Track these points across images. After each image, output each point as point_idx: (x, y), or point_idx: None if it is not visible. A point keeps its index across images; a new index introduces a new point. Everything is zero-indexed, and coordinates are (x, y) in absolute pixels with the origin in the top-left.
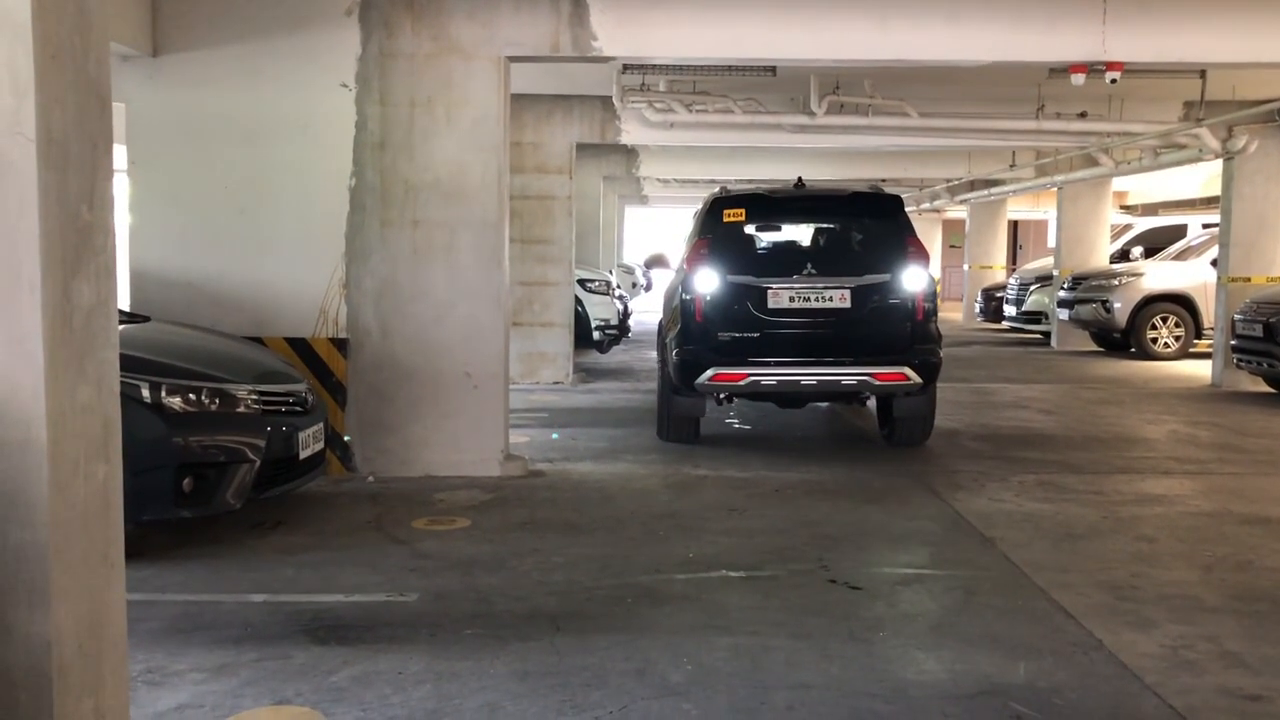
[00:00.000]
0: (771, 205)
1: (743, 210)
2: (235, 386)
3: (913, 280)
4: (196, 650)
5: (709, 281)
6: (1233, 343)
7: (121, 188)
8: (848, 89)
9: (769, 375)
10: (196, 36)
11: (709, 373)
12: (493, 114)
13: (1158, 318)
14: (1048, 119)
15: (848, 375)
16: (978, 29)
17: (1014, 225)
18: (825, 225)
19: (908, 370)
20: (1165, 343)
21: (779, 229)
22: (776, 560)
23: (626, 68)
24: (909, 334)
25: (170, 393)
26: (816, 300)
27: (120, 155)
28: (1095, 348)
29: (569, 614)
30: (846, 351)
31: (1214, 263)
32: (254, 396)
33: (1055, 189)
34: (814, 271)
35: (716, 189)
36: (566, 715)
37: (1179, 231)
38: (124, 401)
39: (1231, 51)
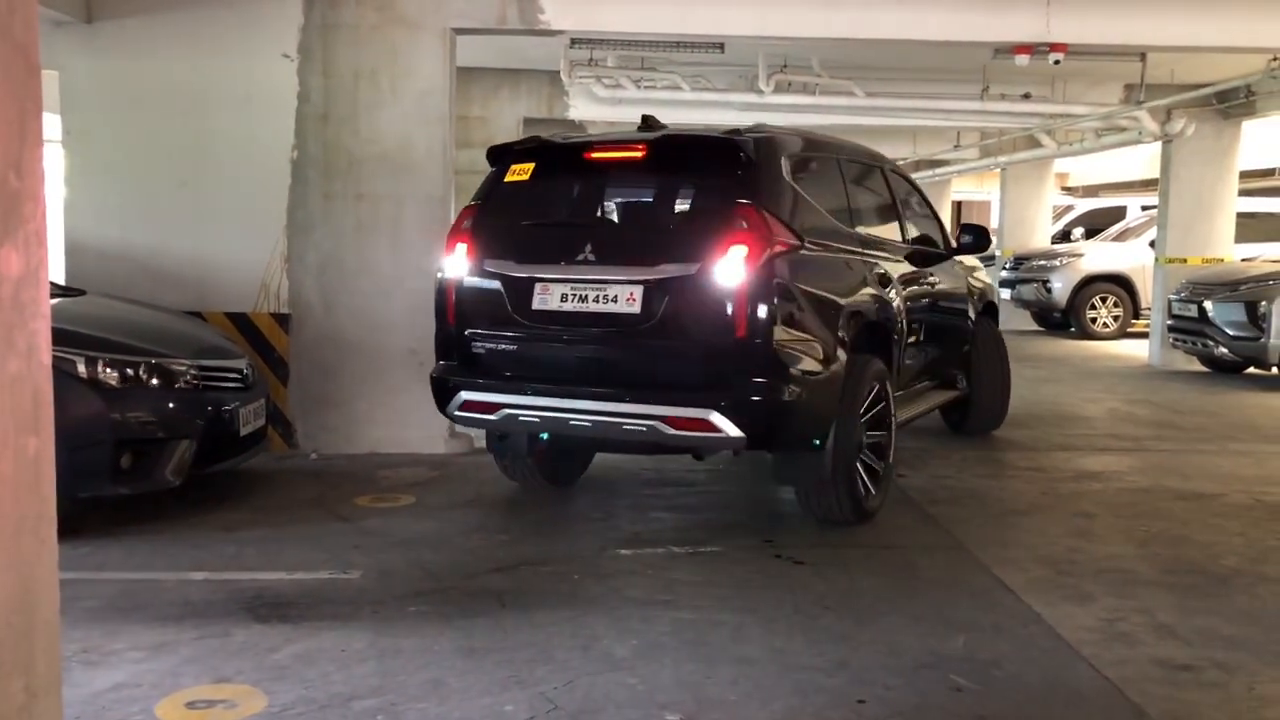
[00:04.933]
0: (566, 158)
1: (530, 166)
2: (174, 362)
3: (731, 273)
4: (135, 628)
5: (461, 268)
6: (1169, 323)
7: (55, 159)
8: (795, 68)
9: (528, 409)
10: (133, 3)
11: (459, 398)
12: (439, 87)
13: (1097, 298)
14: (992, 100)
15: (631, 416)
16: (925, 8)
17: (958, 205)
18: (626, 188)
19: (714, 415)
20: (1104, 322)
21: (572, 193)
22: (722, 536)
23: (574, 42)
24: (726, 358)
25: (107, 367)
26: (596, 300)
27: (54, 125)
28: (1036, 327)
29: (514, 590)
30: (633, 380)
31: (1152, 244)
32: (193, 372)
33: (998, 170)
34: (593, 258)
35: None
36: (512, 690)
37: (1119, 213)
38: (59, 376)
39: (1171, 35)
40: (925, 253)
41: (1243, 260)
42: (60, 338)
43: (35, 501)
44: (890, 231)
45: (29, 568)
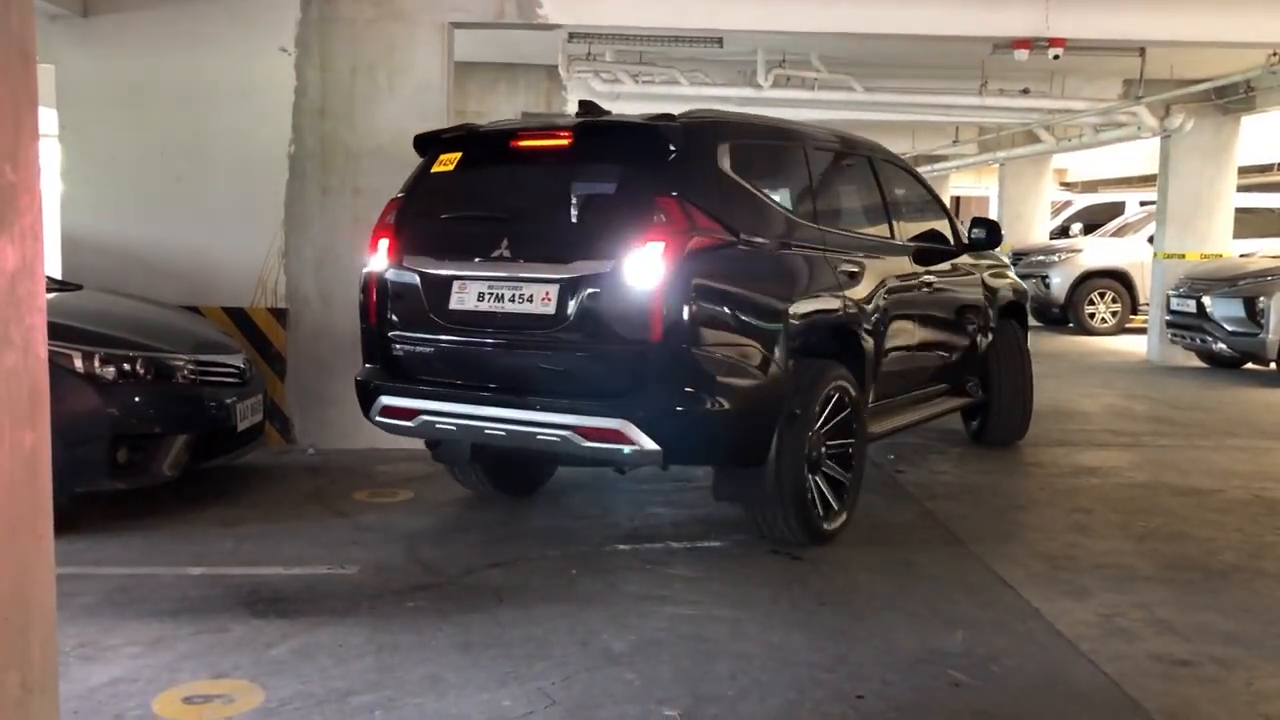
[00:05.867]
0: (491, 147)
1: (457, 156)
2: (171, 357)
3: (646, 271)
4: (132, 624)
5: (382, 264)
6: (1167, 318)
7: (52, 153)
8: (794, 63)
9: (445, 416)
10: None
11: (379, 404)
12: (436, 82)
13: (1095, 293)
14: (991, 95)
15: (544, 425)
16: (924, 3)
17: (956, 201)
18: (549, 179)
19: (628, 427)
20: (1102, 318)
21: (494, 185)
22: (720, 531)
23: (572, 36)
24: (642, 364)
25: (104, 362)
26: (512, 300)
27: (50, 119)
28: (1034, 322)
29: (512, 586)
30: (548, 387)
31: (1150, 239)
32: (190, 367)
33: (997, 165)
34: (508, 254)
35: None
36: (509, 686)
37: (1117, 209)
38: (56, 371)
39: (1170, 30)
40: (925, 249)
41: (1241, 256)
42: (57, 332)
43: (32, 496)
44: (874, 226)
45: (25, 563)
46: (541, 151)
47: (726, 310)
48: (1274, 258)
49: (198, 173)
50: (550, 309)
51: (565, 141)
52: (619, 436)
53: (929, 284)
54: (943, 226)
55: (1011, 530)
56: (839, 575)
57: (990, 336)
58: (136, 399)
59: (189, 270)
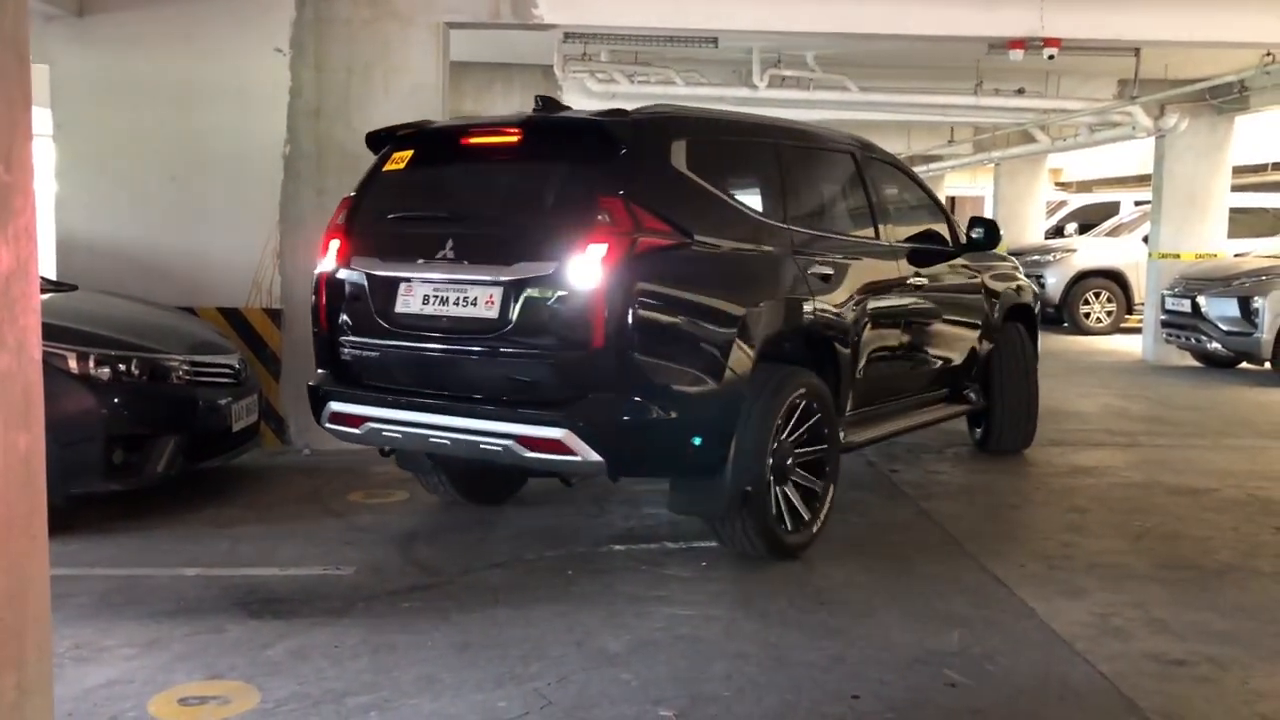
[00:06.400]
0: (441, 144)
1: (409, 153)
2: (166, 357)
3: (588, 274)
4: (127, 625)
5: (332, 266)
6: (1162, 318)
7: (46, 153)
8: (790, 62)
9: (390, 423)
10: None
11: (329, 410)
12: (431, 81)
13: (1090, 293)
14: (986, 95)
15: (487, 434)
16: (920, 3)
17: (951, 201)
18: (496, 178)
19: (571, 437)
20: (1098, 318)
21: (442, 183)
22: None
23: (568, 36)
24: (584, 371)
25: (99, 363)
26: (457, 303)
27: (44, 119)
28: None
29: (509, 586)
30: (490, 394)
31: (1145, 239)
32: (185, 367)
33: (992, 165)
34: (452, 255)
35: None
36: (506, 686)
37: (1112, 208)
38: (50, 372)
39: (1165, 30)
40: (916, 251)
41: (1236, 255)
42: (51, 333)
43: (27, 498)
44: (857, 227)
45: (20, 564)
46: (491, 149)
47: (676, 315)
48: (1268, 257)
49: (193, 173)
50: (493, 312)
51: (514, 139)
52: (561, 447)
53: (919, 287)
54: (940, 227)
55: (1007, 530)
56: (835, 574)
57: (992, 342)
58: (131, 400)
59: (184, 271)
